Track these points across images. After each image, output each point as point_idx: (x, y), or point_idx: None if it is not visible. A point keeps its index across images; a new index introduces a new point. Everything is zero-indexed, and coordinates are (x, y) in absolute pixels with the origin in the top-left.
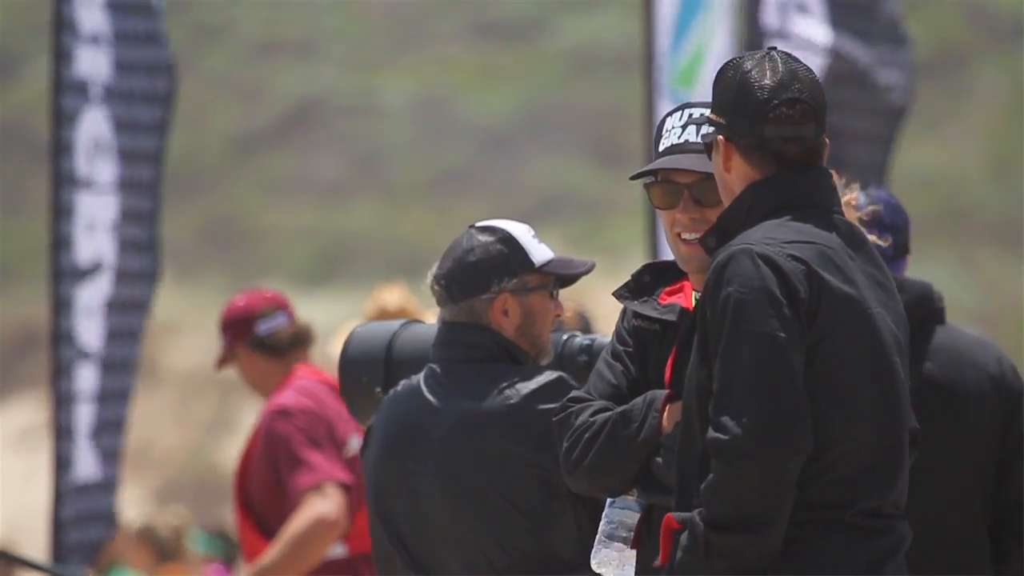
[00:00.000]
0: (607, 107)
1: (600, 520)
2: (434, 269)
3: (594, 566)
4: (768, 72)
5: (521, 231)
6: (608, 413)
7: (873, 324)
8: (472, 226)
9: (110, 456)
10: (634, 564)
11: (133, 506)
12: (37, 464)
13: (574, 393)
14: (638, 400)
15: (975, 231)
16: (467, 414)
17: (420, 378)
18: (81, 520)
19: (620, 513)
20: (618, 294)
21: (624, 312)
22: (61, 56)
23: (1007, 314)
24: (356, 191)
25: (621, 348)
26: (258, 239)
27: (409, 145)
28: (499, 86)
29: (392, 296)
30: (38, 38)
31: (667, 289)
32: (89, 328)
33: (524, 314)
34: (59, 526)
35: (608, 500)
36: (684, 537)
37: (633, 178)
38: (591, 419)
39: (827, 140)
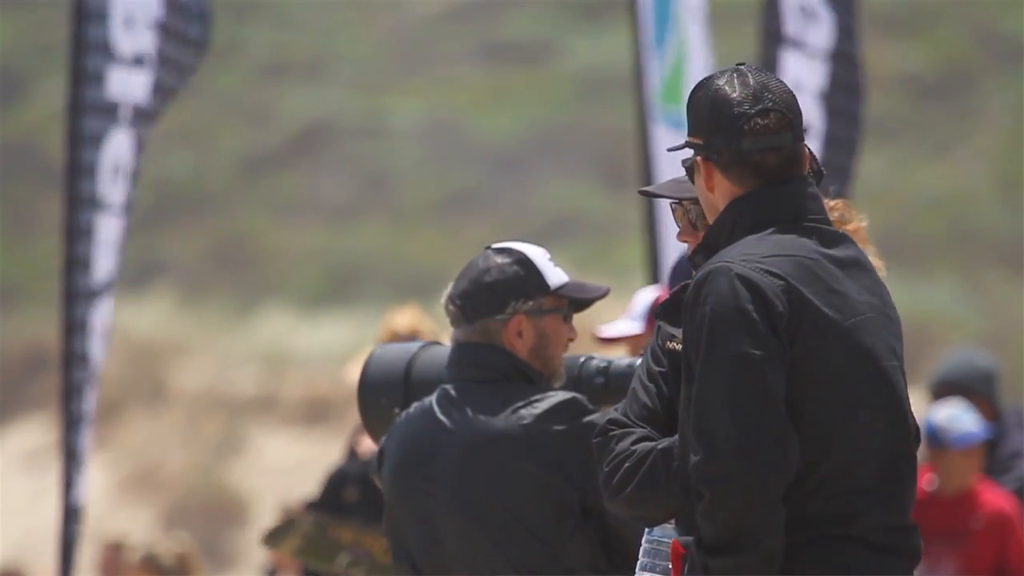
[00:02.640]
0: (616, 129)
1: (638, 547)
2: (449, 289)
3: None
4: (738, 86)
5: (537, 254)
6: (650, 444)
7: (862, 332)
8: (489, 247)
9: None
10: None
11: (140, 529)
12: (45, 485)
13: (613, 415)
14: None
15: (982, 252)
16: (480, 434)
17: (433, 399)
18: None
19: (658, 542)
20: (656, 314)
21: (658, 330)
22: (85, 77)
23: (1013, 335)
24: (365, 213)
25: (656, 368)
26: (266, 260)
27: (418, 167)
28: (508, 108)
29: (403, 319)
30: (47, 59)
31: None
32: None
33: (538, 336)
34: (68, 547)
35: (647, 528)
36: (688, 562)
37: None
38: (632, 447)
39: (808, 148)
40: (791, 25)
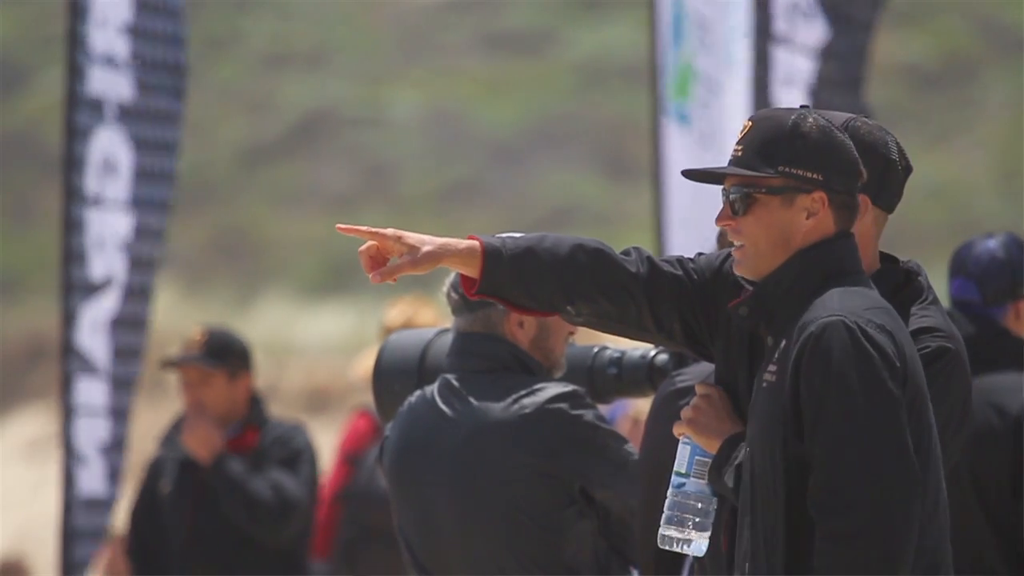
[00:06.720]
0: (617, 119)
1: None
2: (452, 278)
3: (661, 544)
4: (839, 134)
5: None
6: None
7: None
8: None
9: (115, 473)
10: (704, 547)
11: None
12: (46, 476)
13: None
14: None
15: None
16: (480, 424)
17: (434, 388)
18: (91, 533)
19: (691, 495)
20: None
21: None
22: (75, 73)
23: None
24: (365, 203)
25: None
26: (266, 250)
27: (418, 157)
28: (508, 98)
29: (393, 314)
30: (48, 51)
31: None
32: (96, 344)
33: (539, 326)
34: (68, 539)
35: (674, 482)
36: None
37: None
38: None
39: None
40: (781, 22)
